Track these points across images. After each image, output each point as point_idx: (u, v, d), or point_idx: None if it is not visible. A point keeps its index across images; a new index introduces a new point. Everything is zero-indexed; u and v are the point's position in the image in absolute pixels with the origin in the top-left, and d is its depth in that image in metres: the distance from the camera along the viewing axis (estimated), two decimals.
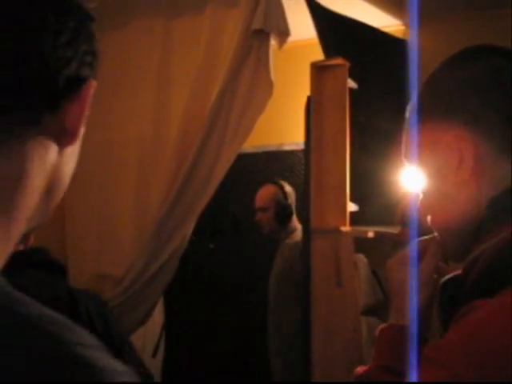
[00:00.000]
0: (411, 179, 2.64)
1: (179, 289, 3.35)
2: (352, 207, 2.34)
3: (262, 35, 2.40)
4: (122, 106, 2.84)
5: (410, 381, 0.77)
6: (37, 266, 1.50)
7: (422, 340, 0.89)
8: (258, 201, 3.19)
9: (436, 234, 0.92)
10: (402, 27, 3.17)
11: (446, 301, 0.85)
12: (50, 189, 0.55)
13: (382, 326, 0.92)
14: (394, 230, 2.55)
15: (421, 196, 0.91)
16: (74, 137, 0.55)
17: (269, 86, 2.45)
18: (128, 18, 2.84)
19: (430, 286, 0.91)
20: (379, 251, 2.68)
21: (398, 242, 2.54)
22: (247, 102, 2.52)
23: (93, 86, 0.56)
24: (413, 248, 0.93)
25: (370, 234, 2.37)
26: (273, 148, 3.66)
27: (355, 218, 2.35)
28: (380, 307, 2.62)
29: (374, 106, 2.63)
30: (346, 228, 2.28)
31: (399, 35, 3.06)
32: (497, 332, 0.69)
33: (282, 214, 3.10)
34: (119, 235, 2.80)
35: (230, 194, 3.48)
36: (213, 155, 2.57)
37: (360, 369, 0.90)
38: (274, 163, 3.66)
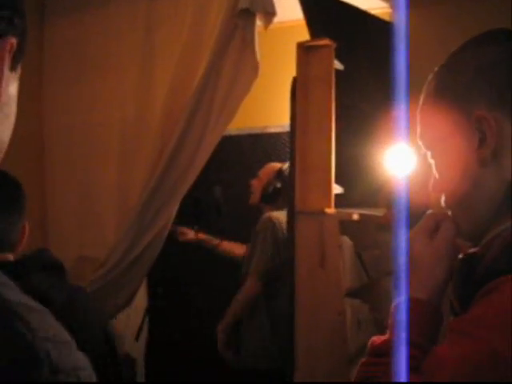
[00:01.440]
0: (396, 162, 2.61)
1: (163, 272, 3.33)
2: (337, 189, 2.33)
3: (247, 15, 2.37)
4: (105, 87, 2.80)
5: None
6: (43, 267, 1.46)
7: (440, 314, 0.89)
8: (261, 169, 3.19)
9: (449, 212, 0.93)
10: (389, 10, 3.15)
11: (464, 277, 0.86)
12: None
13: (403, 299, 0.91)
14: (378, 212, 2.55)
15: (434, 174, 0.93)
16: None
17: (254, 67, 2.43)
18: None
19: (449, 260, 0.90)
20: (364, 234, 2.68)
21: (383, 225, 2.54)
22: (232, 84, 2.49)
23: (10, 42, 0.52)
24: (430, 219, 0.93)
25: (355, 217, 2.36)
26: (257, 130, 3.63)
27: (340, 201, 2.34)
28: (364, 290, 2.63)
29: (360, 87, 2.62)
30: (331, 210, 2.27)
31: (386, 18, 3.04)
32: None
33: (266, 190, 3.09)
34: (101, 217, 2.77)
35: (214, 176, 3.46)
36: (197, 137, 2.54)
37: (377, 338, 0.89)
38: (258, 145, 3.64)
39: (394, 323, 0.88)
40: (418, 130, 0.94)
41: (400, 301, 0.89)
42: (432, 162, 0.93)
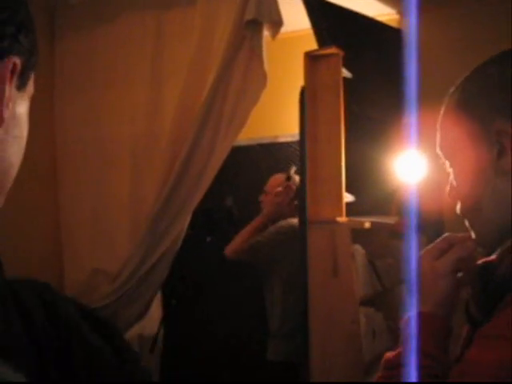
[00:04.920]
0: (407, 169, 2.60)
1: (177, 283, 3.33)
2: (348, 198, 2.32)
3: (254, 26, 2.38)
4: (115, 101, 2.82)
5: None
6: None
7: (448, 325, 0.93)
8: (267, 184, 3.18)
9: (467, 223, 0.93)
10: (396, 16, 3.15)
11: (483, 285, 0.87)
12: None
13: (411, 313, 0.95)
14: (390, 220, 2.53)
15: (451, 182, 0.94)
16: None
17: (262, 78, 2.43)
18: (119, 11, 2.81)
19: (454, 276, 0.93)
20: (376, 242, 2.67)
21: (395, 233, 2.53)
22: (241, 94, 2.50)
23: (13, 61, 0.49)
24: (444, 241, 0.95)
25: (367, 225, 2.35)
26: (267, 140, 3.64)
27: (351, 209, 2.33)
28: (378, 298, 2.61)
29: (368, 95, 2.61)
30: (343, 219, 2.26)
31: (393, 24, 3.04)
32: None
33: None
34: (114, 231, 2.78)
35: (226, 186, 3.46)
36: (207, 148, 2.55)
37: (389, 353, 0.93)
38: (268, 155, 3.64)
39: (402, 336, 0.91)
40: (438, 139, 0.95)
41: (407, 315, 0.93)
42: (450, 171, 0.94)
